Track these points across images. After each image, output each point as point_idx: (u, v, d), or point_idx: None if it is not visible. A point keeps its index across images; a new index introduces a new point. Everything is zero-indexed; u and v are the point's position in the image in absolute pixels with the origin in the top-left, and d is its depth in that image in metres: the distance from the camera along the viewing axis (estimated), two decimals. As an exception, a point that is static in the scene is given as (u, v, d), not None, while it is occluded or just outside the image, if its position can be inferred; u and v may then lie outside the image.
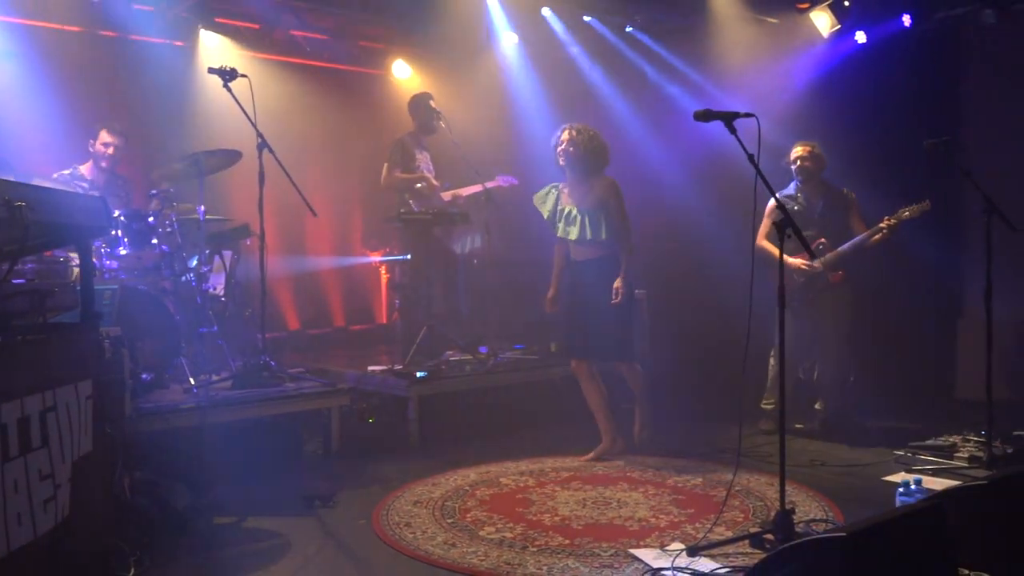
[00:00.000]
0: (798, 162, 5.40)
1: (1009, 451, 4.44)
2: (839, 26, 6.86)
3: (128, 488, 3.61)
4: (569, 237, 4.94)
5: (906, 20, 6.77)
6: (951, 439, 4.94)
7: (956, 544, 2.77)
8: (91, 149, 5.62)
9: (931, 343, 6.84)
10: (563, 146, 4.90)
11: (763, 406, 5.58)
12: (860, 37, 6.93)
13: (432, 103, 6.29)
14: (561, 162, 4.93)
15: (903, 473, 4.48)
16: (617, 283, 4.81)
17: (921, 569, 2.63)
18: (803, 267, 5.31)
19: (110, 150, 5.58)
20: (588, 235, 4.88)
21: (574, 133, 4.90)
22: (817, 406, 5.60)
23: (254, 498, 4.29)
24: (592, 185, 4.95)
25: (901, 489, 3.58)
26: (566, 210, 4.97)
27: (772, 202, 5.25)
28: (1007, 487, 2.98)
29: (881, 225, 5.16)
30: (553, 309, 5.14)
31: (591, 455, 4.95)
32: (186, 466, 4.38)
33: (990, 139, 6.63)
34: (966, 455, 4.61)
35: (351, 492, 4.39)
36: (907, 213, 5.10)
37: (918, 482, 3.60)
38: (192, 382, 4.84)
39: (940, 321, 6.93)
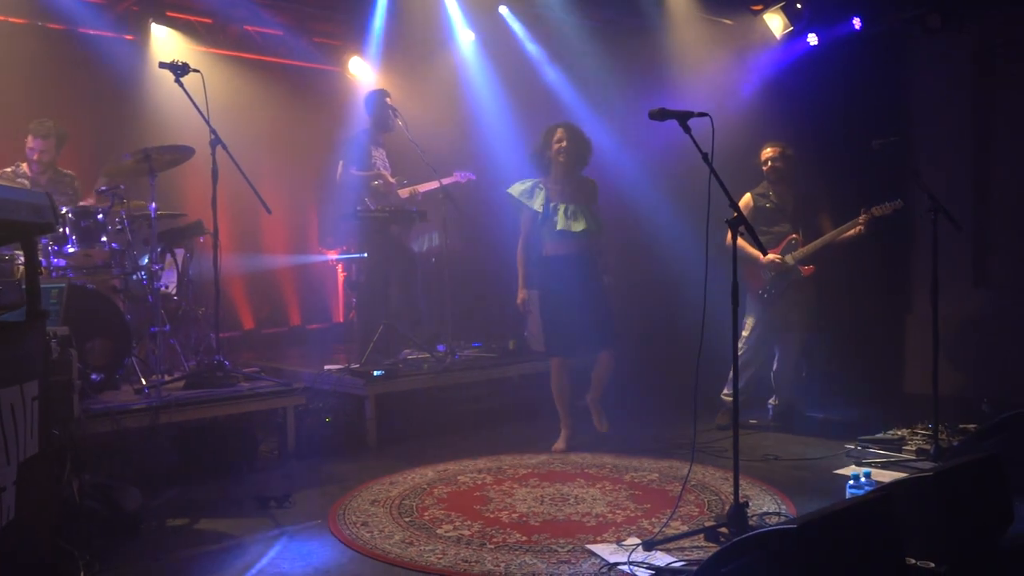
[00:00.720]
0: (769, 163, 5.53)
1: (955, 443, 4.55)
2: (792, 28, 6.95)
3: (77, 491, 3.52)
4: (574, 230, 5.03)
5: (856, 23, 6.88)
6: (900, 432, 5.06)
7: (903, 534, 2.84)
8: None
9: (880, 339, 6.98)
10: (564, 144, 5.03)
11: (723, 397, 5.63)
12: (812, 39, 7.03)
13: (388, 100, 6.25)
14: (561, 159, 5.04)
15: (853, 466, 4.58)
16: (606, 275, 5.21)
17: (869, 559, 2.69)
18: (775, 261, 5.38)
19: (35, 155, 5.43)
20: (594, 228, 5.09)
21: (571, 131, 5.07)
22: (772, 401, 5.70)
23: (208, 500, 4.24)
24: (580, 181, 5.15)
25: (851, 482, 3.65)
26: (563, 205, 5.06)
27: (742, 201, 5.37)
28: (951, 478, 3.05)
29: (858, 220, 5.27)
30: (525, 309, 5.21)
31: (562, 446, 5.09)
32: (137, 468, 4.31)
33: (937, 140, 6.80)
34: (914, 448, 4.72)
35: (307, 492, 4.35)
36: (880, 211, 5.20)
37: (867, 475, 3.69)
38: (143, 382, 4.75)
39: (889, 317, 7.08)
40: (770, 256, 5.35)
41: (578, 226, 5.03)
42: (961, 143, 6.90)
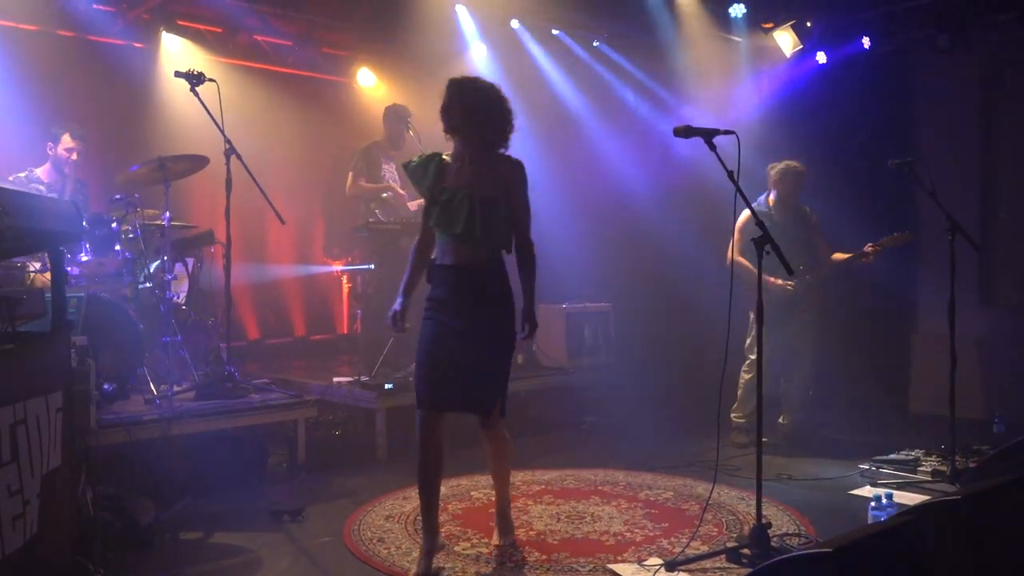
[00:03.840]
0: (780, 180, 5.45)
1: (971, 464, 4.53)
2: (801, 46, 7.00)
3: (91, 502, 3.48)
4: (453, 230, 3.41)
5: (865, 42, 6.94)
6: (913, 453, 5.04)
7: (932, 560, 2.82)
8: (51, 152, 5.42)
9: (886, 358, 6.98)
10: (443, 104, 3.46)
11: (733, 418, 5.61)
12: (821, 58, 7.08)
13: (409, 120, 6.22)
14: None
15: (869, 487, 4.56)
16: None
17: (902, 584, 2.66)
18: (788, 287, 5.32)
19: (73, 155, 5.40)
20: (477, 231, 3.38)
21: (457, 87, 3.50)
22: (781, 420, 5.67)
23: (220, 512, 4.20)
24: (497, 161, 3.51)
25: (873, 503, 3.63)
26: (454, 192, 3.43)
27: (743, 217, 5.30)
28: (981, 502, 3.03)
29: (867, 251, 5.24)
30: (400, 329, 3.61)
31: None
32: (150, 480, 4.26)
33: (944, 159, 6.82)
34: (929, 469, 4.70)
35: (320, 506, 4.31)
36: (889, 242, 5.20)
37: (889, 496, 3.66)
38: (155, 393, 4.71)
39: (895, 336, 7.09)
40: (779, 280, 5.30)
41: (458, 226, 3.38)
42: (968, 162, 6.94)
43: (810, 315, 5.49)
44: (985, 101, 6.98)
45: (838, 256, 5.46)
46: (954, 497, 3.07)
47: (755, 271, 5.21)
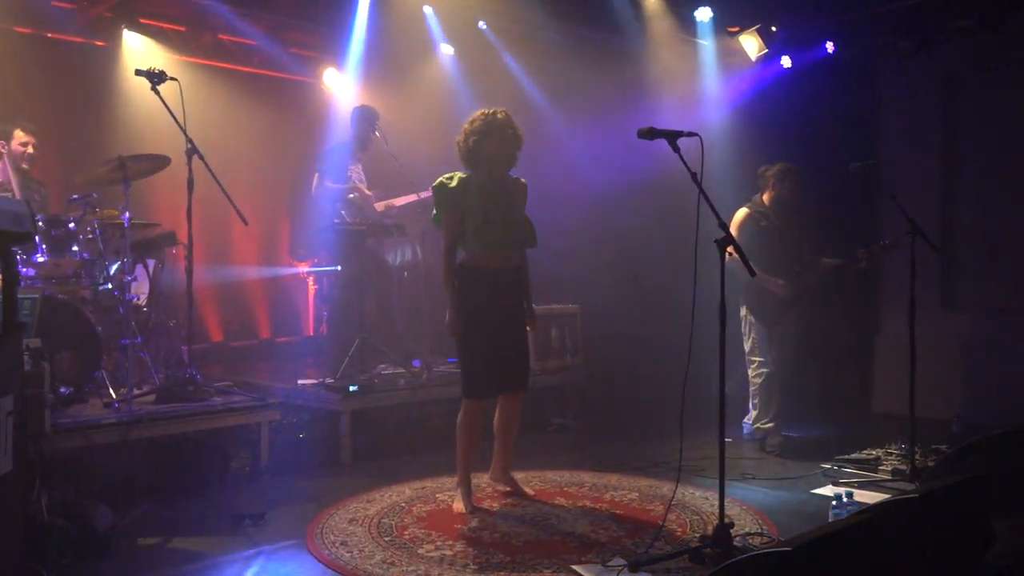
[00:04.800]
0: (777, 183, 5.47)
1: (930, 463, 4.59)
2: (766, 50, 7.06)
3: (46, 508, 3.41)
4: (512, 241, 4.26)
5: (829, 47, 7.01)
6: (874, 452, 5.10)
7: (891, 557, 2.85)
8: (3, 151, 5.31)
9: (849, 359, 7.06)
10: (518, 130, 4.17)
11: (759, 427, 5.52)
12: (786, 62, 7.15)
13: (377, 123, 6.19)
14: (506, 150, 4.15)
15: (831, 486, 4.60)
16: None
17: (861, 582, 2.69)
18: (787, 289, 5.35)
19: (28, 148, 5.31)
20: (529, 240, 4.35)
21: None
22: (747, 419, 5.69)
23: (180, 517, 4.13)
24: (511, 181, 4.30)
25: (834, 503, 3.66)
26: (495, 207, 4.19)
27: (741, 217, 5.33)
28: (937, 500, 3.07)
29: (861, 257, 5.25)
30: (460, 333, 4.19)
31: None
32: (107, 484, 4.19)
33: (907, 162, 6.92)
34: (890, 468, 4.76)
35: (283, 510, 4.25)
36: (880, 249, 5.17)
37: (849, 495, 3.70)
38: (113, 396, 4.63)
39: (858, 337, 7.17)
40: (778, 282, 5.32)
41: (514, 237, 4.31)
42: (930, 166, 7.04)
43: (802, 318, 5.51)
44: (947, 106, 7.09)
45: (826, 261, 5.48)
46: (912, 495, 3.11)
47: (755, 273, 5.25)
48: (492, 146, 4.09)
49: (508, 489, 4.52)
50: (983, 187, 6.92)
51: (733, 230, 5.25)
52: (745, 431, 5.73)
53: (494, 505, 4.35)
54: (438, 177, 4.23)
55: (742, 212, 5.49)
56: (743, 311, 5.51)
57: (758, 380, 5.46)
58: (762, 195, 5.55)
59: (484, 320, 4.16)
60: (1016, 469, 3.77)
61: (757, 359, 5.47)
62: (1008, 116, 6.74)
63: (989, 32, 6.33)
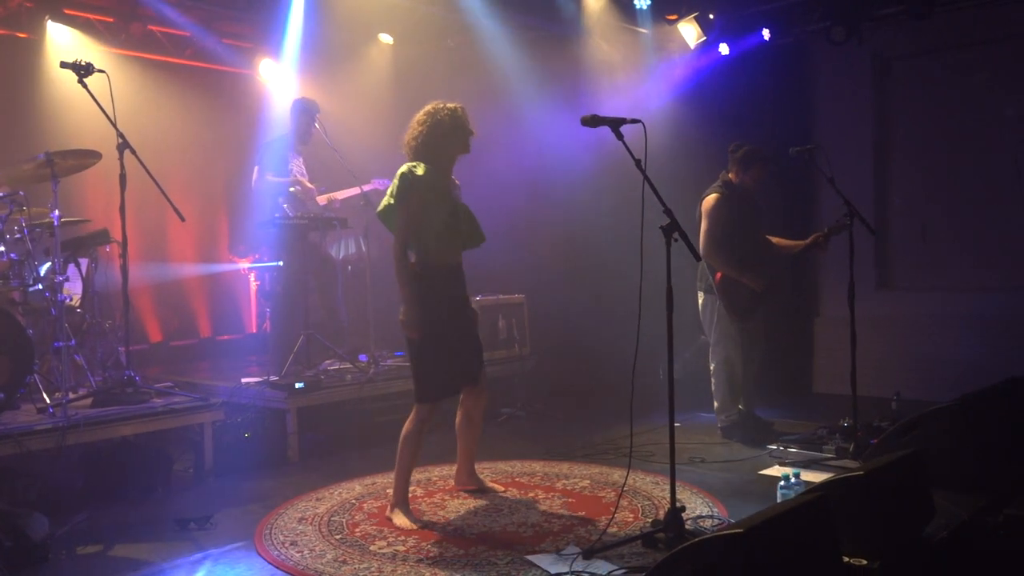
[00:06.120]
0: (742, 168, 5.34)
1: (872, 441, 4.69)
2: (705, 38, 7.12)
3: (-22, 520, 3.28)
4: (473, 242, 4.19)
5: (765, 34, 7.11)
6: (819, 432, 5.19)
7: (838, 533, 2.91)
8: None
9: (790, 341, 7.20)
10: (470, 125, 4.07)
11: (723, 418, 5.48)
12: (724, 49, 7.22)
13: (319, 116, 6.06)
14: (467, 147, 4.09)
15: (777, 467, 4.68)
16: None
17: (810, 560, 2.73)
18: (760, 281, 5.28)
19: None
20: (476, 236, 4.19)
21: None
22: (740, 406, 5.55)
23: (122, 524, 4.02)
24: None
25: (782, 483, 3.72)
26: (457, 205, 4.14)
27: (711, 201, 5.23)
28: (879, 477, 3.14)
29: (819, 239, 5.23)
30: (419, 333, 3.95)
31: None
32: (43, 493, 4.04)
33: (841, 146, 7.06)
34: (833, 447, 4.85)
35: (229, 512, 4.17)
36: (837, 227, 5.10)
37: (796, 475, 3.76)
38: (47, 401, 4.47)
39: (799, 320, 7.32)
40: (752, 274, 5.23)
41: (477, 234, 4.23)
42: (863, 149, 7.22)
43: (767, 308, 5.52)
44: (878, 91, 7.27)
45: (782, 243, 5.45)
46: (856, 473, 3.18)
47: (733, 265, 5.18)
48: (447, 140, 3.97)
49: (475, 488, 4.39)
50: (914, 169, 7.12)
51: (706, 219, 5.25)
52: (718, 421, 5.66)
53: (445, 498, 4.32)
54: (381, 169, 4.17)
55: (712, 197, 5.29)
56: (710, 301, 5.42)
57: (723, 372, 5.41)
58: (727, 174, 5.39)
59: (444, 319, 3.98)
60: (952, 443, 3.89)
61: (723, 351, 5.40)
62: (936, 101, 6.94)
63: (916, 19, 6.48)
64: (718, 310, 5.35)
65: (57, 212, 4.68)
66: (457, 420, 4.32)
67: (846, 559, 2.97)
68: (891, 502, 3.14)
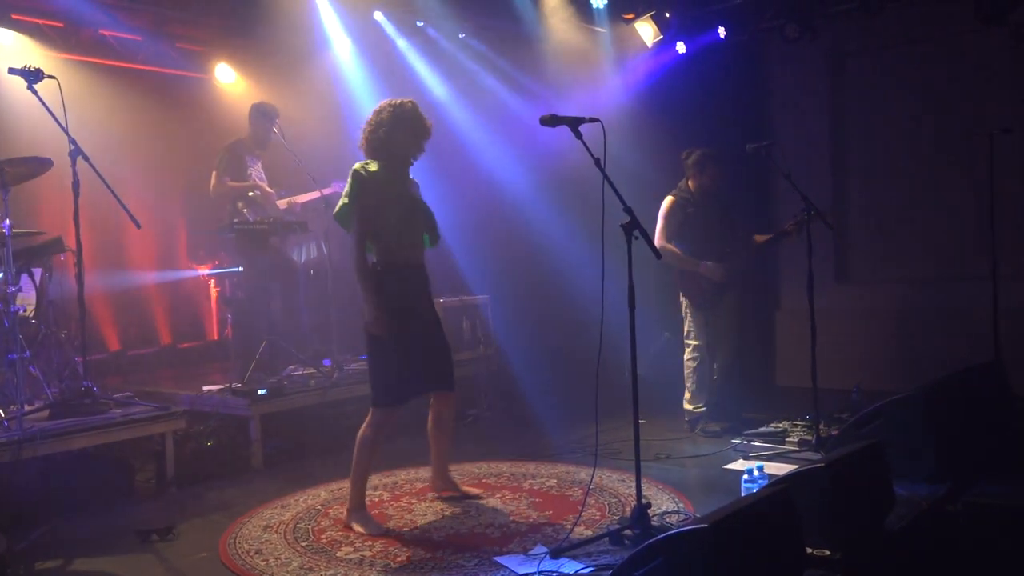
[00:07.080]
0: (699, 168, 5.46)
1: (833, 433, 4.77)
2: (661, 37, 7.16)
3: (-69, 539, 3.20)
4: (421, 235, 4.12)
5: (721, 32, 7.17)
6: (781, 425, 5.26)
7: (802, 525, 2.94)
8: None
9: (752, 335, 7.27)
10: (427, 121, 4.05)
11: (691, 409, 5.54)
12: (681, 47, 7.27)
13: (277, 120, 5.99)
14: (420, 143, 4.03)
15: (742, 460, 4.73)
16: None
17: (775, 552, 2.76)
18: (713, 269, 5.37)
19: None
20: (433, 237, 4.17)
21: None
22: (707, 397, 5.63)
23: (82, 538, 3.94)
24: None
25: (745, 476, 3.76)
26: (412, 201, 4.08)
27: (667, 203, 5.43)
28: (840, 468, 3.19)
29: (788, 229, 5.27)
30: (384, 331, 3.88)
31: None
32: (0, 507, 3.95)
33: (798, 142, 7.17)
34: (796, 439, 4.92)
35: (192, 522, 4.11)
36: (805, 217, 5.07)
37: (760, 469, 3.80)
38: (2, 414, 4.37)
39: (761, 313, 7.40)
40: (708, 264, 5.36)
41: (434, 233, 4.19)
42: (820, 145, 7.32)
43: (734, 297, 5.59)
44: (833, 88, 7.38)
45: (759, 237, 5.54)
46: (818, 465, 3.22)
47: (685, 257, 5.36)
48: (403, 137, 3.95)
49: (451, 493, 4.35)
50: (870, 163, 7.24)
51: (661, 219, 5.47)
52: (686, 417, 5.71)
53: (412, 501, 4.30)
54: (339, 172, 4.13)
55: (668, 200, 5.53)
56: (684, 298, 5.57)
57: (692, 364, 5.51)
58: (687, 181, 5.57)
59: (406, 320, 3.93)
60: (912, 433, 3.97)
61: (692, 343, 5.51)
62: (890, 96, 7.06)
63: (869, 16, 6.59)
64: (686, 304, 5.52)
65: (8, 222, 4.58)
66: (429, 423, 4.29)
67: (810, 550, 3.02)
68: (852, 493, 3.19)
